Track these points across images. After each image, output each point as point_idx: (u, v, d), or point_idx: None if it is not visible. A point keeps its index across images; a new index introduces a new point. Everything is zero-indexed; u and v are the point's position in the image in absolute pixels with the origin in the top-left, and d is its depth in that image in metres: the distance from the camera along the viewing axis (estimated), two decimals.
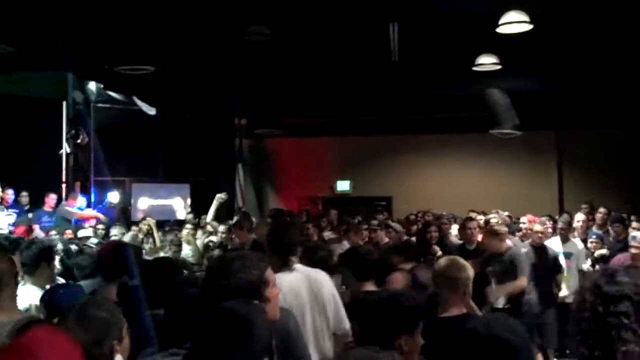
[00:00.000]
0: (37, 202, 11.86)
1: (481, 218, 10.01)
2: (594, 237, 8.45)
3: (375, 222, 10.13)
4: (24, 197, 11.97)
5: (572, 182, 16.39)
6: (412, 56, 10.06)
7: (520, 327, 2.66)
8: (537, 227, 8.22)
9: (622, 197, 13.76)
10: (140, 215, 13.51)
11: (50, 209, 11.71)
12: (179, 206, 14.83)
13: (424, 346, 2.87)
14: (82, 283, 4.82)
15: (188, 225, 9.73)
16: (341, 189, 17.43)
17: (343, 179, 17.38)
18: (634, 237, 6.90)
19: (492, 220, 9.20)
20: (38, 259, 4.71)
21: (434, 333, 3.05)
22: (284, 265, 4.09)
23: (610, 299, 1.71)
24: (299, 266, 4.22)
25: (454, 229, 9.74)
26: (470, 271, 3.89)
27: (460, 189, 15.86)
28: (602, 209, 10.53)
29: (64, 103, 12.47)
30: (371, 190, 16.96)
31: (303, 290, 4.06)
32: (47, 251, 4.91)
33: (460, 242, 8.28)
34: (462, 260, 4.00)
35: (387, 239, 8.93)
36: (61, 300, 3.68)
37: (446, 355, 2.91)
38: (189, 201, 14.94)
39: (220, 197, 10.34)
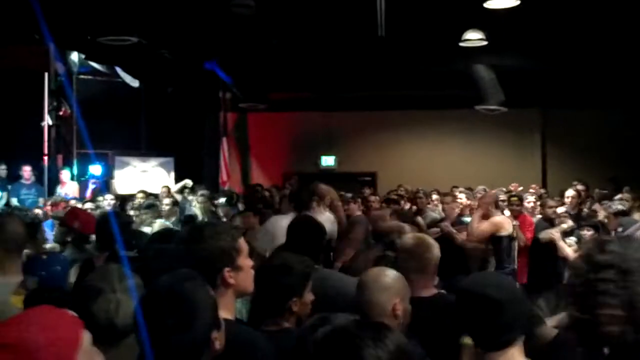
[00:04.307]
0: (18, 175, 11.80)
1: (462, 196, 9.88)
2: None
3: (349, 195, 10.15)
4: (2, 170, 11.86)
5: (555, 160, 16.46)
6: (398, 31, 9.98)
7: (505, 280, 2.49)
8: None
9: (605, 175, 13.85)
10: (123, 189, 13.44)
11: (27, 182, 11.61)
12: (163, 179, 14.71)
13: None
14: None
15: (166, 200, 9.58)
16: (326, 164, 17.35)
17: (328, 154, 17.32)
18: None
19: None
20: None
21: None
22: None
23: (599, 267, 1.85)
24: None
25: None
26: (438, 250, 3.64)
27: (445, 165, 15.87)
28: (579, 186, 10.62)
29: (46, 74, 12.28)
30: (356, 166, 16.93)
31: None
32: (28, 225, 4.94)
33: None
34: (430, 239, 3.76)
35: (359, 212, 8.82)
36: (41, 270, 3.65)
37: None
38: (172, 175, 14.83)
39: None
